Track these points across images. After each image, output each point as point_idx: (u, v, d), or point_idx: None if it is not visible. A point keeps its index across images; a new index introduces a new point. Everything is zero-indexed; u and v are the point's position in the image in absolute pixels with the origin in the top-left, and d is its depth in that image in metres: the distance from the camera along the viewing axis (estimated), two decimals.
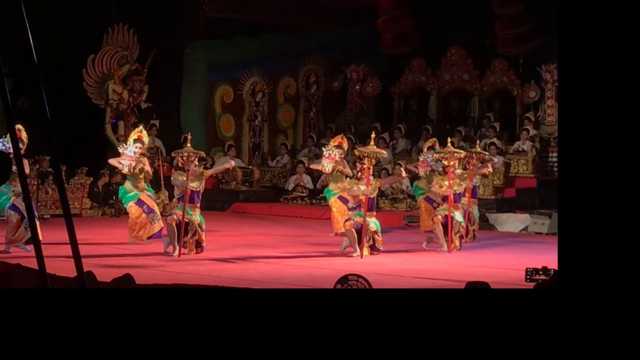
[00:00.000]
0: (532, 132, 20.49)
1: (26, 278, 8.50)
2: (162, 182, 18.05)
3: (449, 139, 15.96)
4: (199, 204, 14.09)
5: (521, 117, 21.34)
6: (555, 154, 20.20)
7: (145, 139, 15.39)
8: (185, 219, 13.83)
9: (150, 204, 15.03)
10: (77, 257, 5.12)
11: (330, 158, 16.26)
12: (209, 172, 15.12)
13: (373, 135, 15.34)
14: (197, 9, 22.51)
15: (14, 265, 9.36)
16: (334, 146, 16.40)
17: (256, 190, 21.41)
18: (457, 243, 14.97)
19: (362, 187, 14.15)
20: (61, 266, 8.17)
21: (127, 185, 15.10)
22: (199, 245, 14.02)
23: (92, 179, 19.31)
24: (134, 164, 14.89)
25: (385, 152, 15.60)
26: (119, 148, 15.75)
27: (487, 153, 17.20)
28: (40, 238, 7.22)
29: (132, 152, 14.92)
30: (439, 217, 14.86)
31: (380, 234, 14.31)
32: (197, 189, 14.03)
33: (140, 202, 14.96)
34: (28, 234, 13.57)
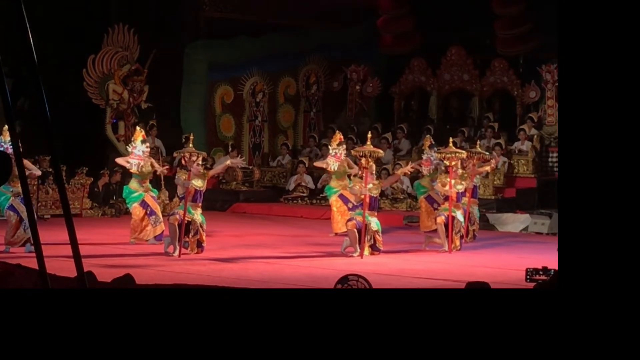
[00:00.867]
0: (530, 132, 20.48)
1: (26, 278, 8.51)
2: (163, 182, 18.05)
3: (450, 139, 15.96)
4: (200, 204, 14.11)
5: (521, 117, 21.33)
6: (555, 154, 20.18)
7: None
8: (187, 218, 13.85)
9: (154, 206, 15.08)
10: (77, 257, 5.12)
11: (337, 157, 16.35)
12: (210, 172, 15.15)
13: (370, 135, 15.36)
14: (197, 9, 22.50)
15: (14, 265, 9.38)
16: (337, 144, 16.48)
17: (256, 190, 21.40)
18: (458, 243, 14.98)
19: (370, 185, 14.16)
20: (61, 266, 8.17)
21: (133, 184, 15.15)
22: (199, 245, 14.03)
23: (92, 179, 19.31)
24: (142, 163, 15.00)
25: (381, 151, 15.62)
26: (127, 148, 15.90)
27: (487, 153, 17.20)
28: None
29: (140, 151, 15.05)
30: (442, 217, 14.87)
31: (380, 234, 14.31)
32: (201, 188, 14.06)
33: (144, 204, 15.00)
34: (27, 236, 13.55)
